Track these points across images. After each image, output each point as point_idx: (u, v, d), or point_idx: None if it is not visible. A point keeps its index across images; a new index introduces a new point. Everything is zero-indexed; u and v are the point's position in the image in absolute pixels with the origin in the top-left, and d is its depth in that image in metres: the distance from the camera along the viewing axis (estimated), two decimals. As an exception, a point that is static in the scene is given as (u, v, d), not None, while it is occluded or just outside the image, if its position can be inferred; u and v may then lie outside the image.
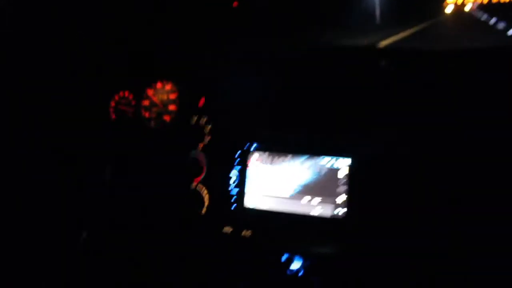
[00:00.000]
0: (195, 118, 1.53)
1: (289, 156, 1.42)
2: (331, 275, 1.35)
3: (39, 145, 1.61)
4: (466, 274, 1.27)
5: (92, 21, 1.67)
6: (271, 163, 1.44)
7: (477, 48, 1.47)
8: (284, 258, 1.36)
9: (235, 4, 1.82)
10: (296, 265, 1.34)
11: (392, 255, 1.30)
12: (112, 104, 1.69)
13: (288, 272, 1.34)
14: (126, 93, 1.68)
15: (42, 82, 1.59)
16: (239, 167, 1.47)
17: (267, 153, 1.45)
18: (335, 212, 1.36)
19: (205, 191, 1.47)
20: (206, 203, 1.47)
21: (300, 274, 1.34)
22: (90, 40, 1.68)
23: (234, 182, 1.46)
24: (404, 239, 1.30)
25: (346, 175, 1.36)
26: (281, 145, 1.45)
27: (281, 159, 1.43)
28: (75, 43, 1.64)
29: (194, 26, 1.80)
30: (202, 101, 1.54)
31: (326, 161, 1.38)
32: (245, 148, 1.47)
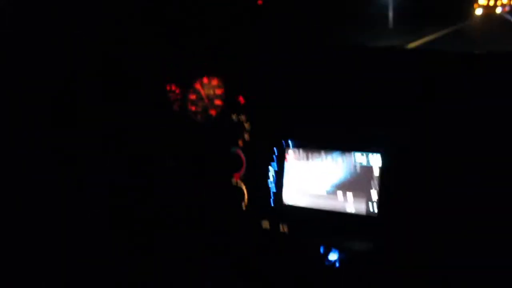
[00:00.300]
0: (235, 115, 1.59)
1: (323, 152, 1.47)
2: (364, 271, 1.38)
3: (107, 140, 1.69)
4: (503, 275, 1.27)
5: (141, 14, 1.72)
6: (306, 160, 1.49)
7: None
8: (321, 251, 1.40)
9: (259, 1, 1.85)
10: (332, 257, 1.38)
11: (425, 252, 1.33)
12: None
13: (325, 263, 1.38)
14: (173, 87, 1.73)
15: (92, 77, 1.67)
16: (276, 163, 1.52)
17: (301, 150, 1.50)
18: (370, 209, 1.40)
19: (245, 188, 1.53)
20: (246, 199, 1.52)
21: (336, 266, 1.38)
22: (138, 33, 1.73)
23: (272, 179, 1.51)
24: (437, 237, 1.32)
25: (379, 170, 1.40)
26: (315, 142, 1.49)
27: (315, 155, 1.48)
28: (124, 34, 1.71)
29: (238, 25, 1.85)
30: (242, 99, 1.59)
31: (359, 157, 1.42)
32: (281, 145, 1.52)
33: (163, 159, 1.69)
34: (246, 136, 1.56)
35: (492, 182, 1.31)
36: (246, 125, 1.57)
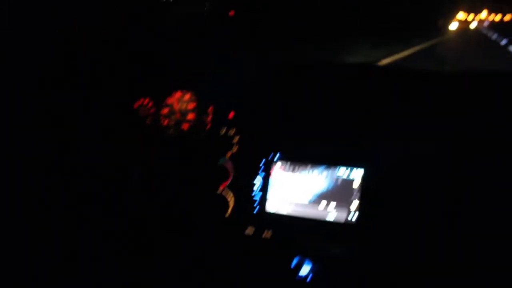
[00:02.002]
0: (223, 129, 1.66)
1: (309, 165, 1.56)
2: (341, 277, 1.46)
3: (60, 153, 1.71)
4: (478, 281, 1.37)
5: (114, 28, 1.79)
6: (292, 172, 1.57)
7: (481, 70, 1.59)
8: (296, 260, 1.48)
9: (231, 13, 1.90)
10: (307, 267, 1.46)
11: (401, 260, 1.43)
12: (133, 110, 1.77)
13: (299, 275, 1.45)
14: (146, 101, 1.77)
15: (63, 88, 1.70)
16: (263, 174, 1.60)
17: (289, 163, 1.58)
18: (349, 218, 1.50)
19: (231, 195, 1.60)
20: (231, 207, 1.59)
21: (311, 275, 1.45)
22: (111, 47, 1.79)
23: (257, 188, 1.59)
24: (414, 245, 1.43)
25: (360, 184, 1.50)
26: (301, 156, 1.58)
27: (301, 168, 1.57)
28: (96, 49, 1.75)
29: (213, 38, 1.90)
30: (231, 114, 1.66)
31: (342, 171, 1.52)
32: (269, 157, 1.60)
33: (132, 171, 1.72)
34: (235, 148, 1.63)
35: (466, 196, 1.42)
36: (235, 139, 1.64)
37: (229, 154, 1.64)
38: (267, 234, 1.55)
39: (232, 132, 1.65)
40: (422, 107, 1.53)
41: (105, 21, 1.84)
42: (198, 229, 1.64)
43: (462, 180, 1.43)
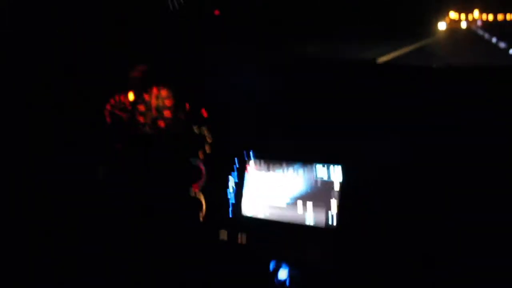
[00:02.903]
0: (196, 127, 1.59)
1: (284, 164, 1.48)
2: (321, 283, 1.39)
3: (32, 146, 1.66)
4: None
5: (92, 23, 1.74)
6: (267, 171, 1.50)
7: (473, 65, 1.55)
8: (273, 265, 1.42)
9: (216, 12, 1.90)
10: (285, 272, 1.40)
11: (383, 264, 1.35)
12: (108, 107, 1.71)
13: (277, 280, 1.40)
14: (122, 97, 1.71)
15: (39, 82, 1.66)
16: (236, 174, 1.53)
17: (263, 161, 1.51)
18: (329, 222, 1.40)
19: (203, 199, 1.54)
20: (204, 211, 1.53)
21: (289, 281, 1.39)
22: (88, 42, 1.74)
23: (232, 189, 1.52)
24: (396, 249, 1.35)
25: (339, 183, 1.41)
26: (276, 153, 1.51)
27: (276, 166, 1.49)
28: (73, 45, 1.70)
29: (190, 33, 1.87)
30: (203, 111, 1.61)
31: (320, 169, 1.44)
32: (243, 156, 1.53)
33: (98, 169, 1.67)
34: (207, 147, 1.57)
35: (450, 196, 1.34)
36: (207, 137, 1.58)
37: (201, 154, 1.58)
38: (242, 239, 1.48)
39: (204, 130, 1.59)
40: (405, 103, 1.47)
41: (84, 17, 1.79)
42: (170, 232, 1.58)
43: (447, 180, 1.36)
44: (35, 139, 1.68)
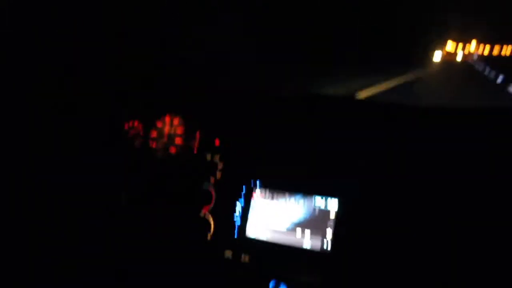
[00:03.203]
0: (209, 154, 1.72)
1: (286, 194, 1.63)
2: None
3: (47, 173, 1.74)
4: None
5: (107, 49, 1.84)
6: (271, 199, 1.64)
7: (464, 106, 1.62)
8: (273, 284, 1.56)
9: None
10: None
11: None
12: (121, 133, 1.82)
13: None
14: (136, 123, 1.82)
15: (51, 105, 1.74)
16: (243, 200, 1.66)
17: (268, 190, 1.65)
18: (324, 247, 1.56)
19: (212, 219, 1.66)
20: (212, 230, 1.66)
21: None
22: (103, 69, 1.84)
23: (238, 213, 1.66)
24: (387, 275, 1.49)
25: (335, 213, 1.57)
26: (280, 184, 1.65)
27: (279, 196, 1.64)
28: (88, 69, 1.80)
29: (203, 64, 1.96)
30: (217, 140, 1.73)
31: (319, 200, 1.59)
32: (250, 185, 1.67)
33: (120, 195, 1.76)
34: (218, 174, 1.70)
35: (443, 227, 1.47)
36: (219, 165, 1.70)
37: (212, 180, 1.70)
38: (245, 258, 1.62)
39: (216, 158, 1.71)
40: (399, 141, 1.59)
41: (96, 41, 1.88)
42: (179, 249, 1.70)
43: (438, 212, 1.49)
44: (53, 164, 1.77)
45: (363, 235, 1.53)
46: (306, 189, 1.62)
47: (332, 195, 1.59)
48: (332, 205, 1.58)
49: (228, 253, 1.64)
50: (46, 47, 1.73)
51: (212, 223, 1.66)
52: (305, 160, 1.66)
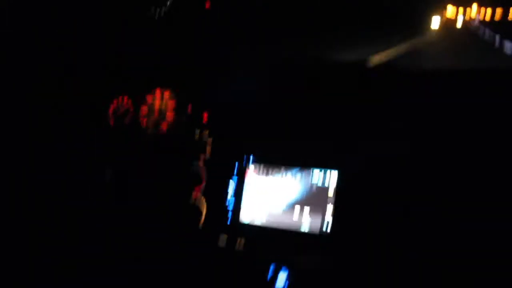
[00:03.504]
0: (197, 130, 1.61)
1: (282, 168, 1.53)
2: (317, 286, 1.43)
3: (35, 148, 1.65)
4: None
5: (94, 26, 1.72)
6: (266, 175, 1.54)
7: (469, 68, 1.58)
8: (272, 269, 1.45)
9: (207, 5, 1.89)
10: (283, 277, 1.43)
11: (376, 269, 1.39)
12: (111, 109, 1.73)
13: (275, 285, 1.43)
14: (126, 99, 1.73)
15: (41, 84, 1.64)
16: (236, 178, 1.57)
17: (262, 165, 1.56)
18: (324, 228, 1.46)
19: (204, 203, 1.56)
20: (204, 214, 1.55)
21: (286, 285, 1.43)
22: (90, 44, 1.72)
23: (231, 194, 1.57)
24: (388, 254, 1.40)
25: (334, 189, 1.46)
26: (275, 158, 1.56)
27: (275, 171, 1.54)
28: (75, 46, 1.69)
29: (192, 36, 1.87)
30: (205, 115, 1.63)
31: (316, 175, 1.49)
32: (243, 161, 1.58)
33: (105, 172, 1.68)
34: (208, 150, 1.60)
35: (445, 203, 1.39)
36: (208, 141, 1.60)
37: (203, 157, 1.60)
38: (240, 245, 1.52)
39: (205, 134, 1.61)
40: (399, 109, 1.51)
41: (85, 19, 1.76)
42: (171, 237, 1.61)
43: (443, 185, 1.40)
44: (36, 140, 1.67)
45: (364, 214, 1.43)
46: (303, 162, 1.51)
47: (332, 168, 1.48)
48: (331, 180, 1.47)
49: (222, 240, 1.54)
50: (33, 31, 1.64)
51: (204, 205, 1.56)
52: (302, 131, 1.56)
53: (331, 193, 1.47)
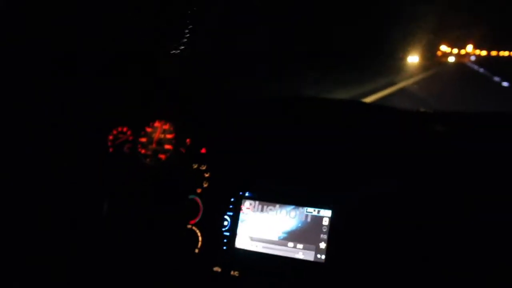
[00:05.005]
0: (196, 164, 1.67)
1: (277, 205, 1.57)
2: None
3: (36, 177, 1.70)
4: None
5: (97, 54, 1.78)
6: (261, 211, 1.59)
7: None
8: None
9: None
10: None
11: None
12: (110, 137, 1.78)
13: None
14: (125, 129, 1.78)
15: (42, 111, 1.69)
16: (232, 212, 1.60)
17: (257, 202, 1.60)
18: (318, 257, 1.50)
19: (199, 232, 1.60)
20: (200, 243, 1.59)
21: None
22: (93, 73, 1.79)
23: (227, 226, 1.60)
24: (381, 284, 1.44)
25: (327, 225, 1.51)
26: (270, 196, 1.59)
27: (270, 207, 1.58)
28: (79, 74, 1.75)
29: (196, 69, 1.92)
30: (203, 149, 1.68)
31: (310, 212, 1.54)
32: (238, 196, 1.61)
33: (102, 202, 1.72)
34: (205, 184, 1.64)
35: (434, 236, 1.43)
36: (205, 174, 1.65)
37: (199, 190, 1.64)
38: (234, 272, 1.55)
39: (204, 168, 1.66)
40: (390, 149, 1.56)
41: (88, 47, 1.82)
42: (165, 265, 1.64)
43: (429, 220, 1.45)
44: (34, 166, 1.71)
45: (358, 245, 1.48)
46: (298, 200, 1.56)
47: (325, 207, 1.53)
48: (324, 216, 1.53)
49: (217, 267, 1.57)
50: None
51: (200, 235, 1.60)
52: (298, 170, 1.61)
53: (323, 225, 1.52)
